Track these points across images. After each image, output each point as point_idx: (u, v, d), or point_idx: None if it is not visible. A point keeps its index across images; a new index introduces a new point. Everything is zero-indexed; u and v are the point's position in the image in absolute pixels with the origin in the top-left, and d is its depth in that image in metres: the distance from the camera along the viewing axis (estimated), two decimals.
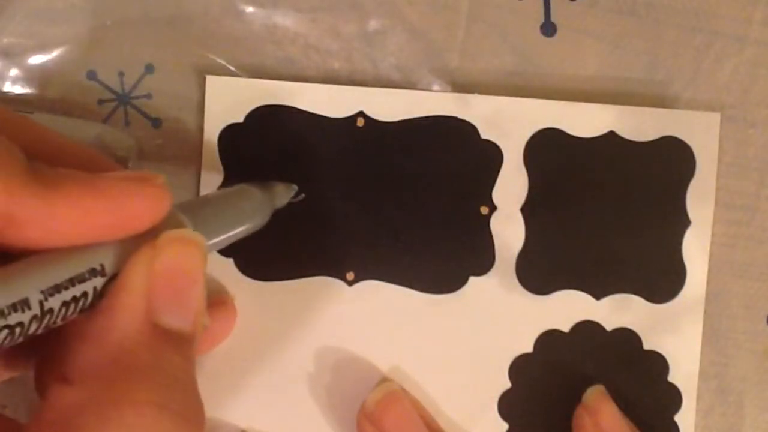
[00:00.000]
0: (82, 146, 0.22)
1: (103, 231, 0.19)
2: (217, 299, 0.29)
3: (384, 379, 0.30)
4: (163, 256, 0.19)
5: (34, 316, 0.17)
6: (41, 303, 0.17)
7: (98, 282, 0.19)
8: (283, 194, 0.28)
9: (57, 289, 0.17)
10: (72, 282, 0.18)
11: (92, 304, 0.19)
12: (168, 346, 0.19)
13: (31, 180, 0.17)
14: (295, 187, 0.29)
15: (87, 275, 0.18)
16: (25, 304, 0.17)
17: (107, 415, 0.17)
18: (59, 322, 0.18)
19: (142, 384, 0.18)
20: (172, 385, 0.18)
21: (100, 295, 0.19)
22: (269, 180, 0.28)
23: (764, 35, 0.31)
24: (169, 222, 0.20)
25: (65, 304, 0.18)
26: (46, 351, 0.21)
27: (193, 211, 0.22)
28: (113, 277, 0.19)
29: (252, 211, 0.26)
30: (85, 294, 0.18)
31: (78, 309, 0.18)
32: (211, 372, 0.30)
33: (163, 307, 0.19)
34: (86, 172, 0.19)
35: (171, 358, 0.19)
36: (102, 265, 0.19)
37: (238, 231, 0.25)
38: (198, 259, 0.20)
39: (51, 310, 0.17)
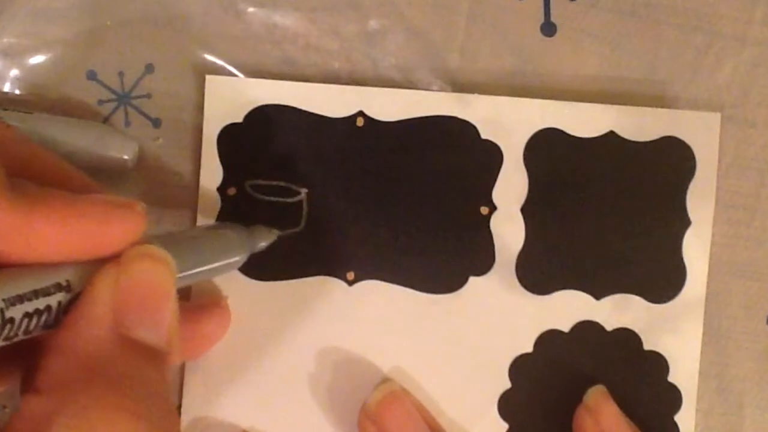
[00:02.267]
0: (70, 166, 0.22)
1: (76, 251, 0.19)
2: (210, 301, 0.29)
3: (385, 379, 0.30)
4: (129, 269, 0.20)
5: None
6: (2, 311, 0.17)
7: (63, 297, 0.19)
8: (264, 237, 0.28)
9: (20, 299, 0.18)
10: (36, 294, 0.18)
11: (57, 320, 0.19)
12: (141, 359, 0.19)
13: (9, 195, 0.18)
14: (277, 232, 0.29)
15: (52, 289, 0.18)
16: None
17: (75, 423, 0.17)
18: (21, 335, 0.18)
19: (114, 392, 0.18)
20: (147, 397, 0.18)
21: (65, 311, 0.19)
22: (252, 222, 0.28)
23: (764, 35, 0.31)
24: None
25: (27, 315, 0.18)
26: (27, 365, 0.21)
27: (163, 242, 0.22)
28: (79, 294, 0.19)
29: (226, 250, 0.26)
30: (48, 308, 0.18)
31: (42, 323, 0.18)
32: (211, 372, 0.30)
33: (132, 319, 0.19)
34: (71, 192, 0.19)
35: (144, 370, 0.19)
36: (68, 281, 0.19)
37: (209, 268, 0.25)
38: (165, 275, 0.20)
39: (12, 320, 0.17)
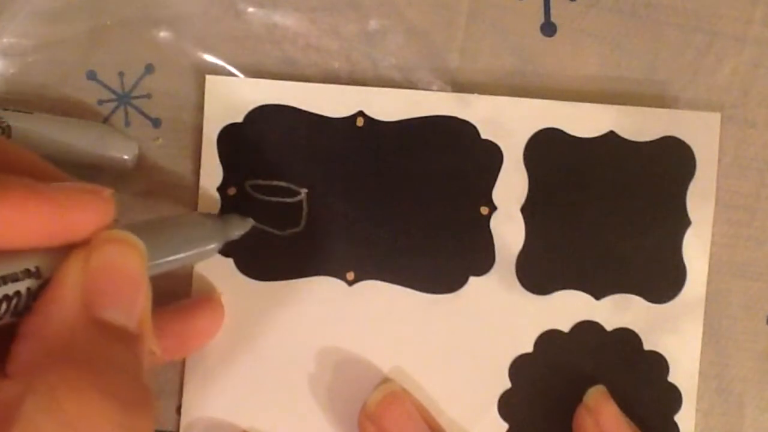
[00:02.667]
0: (49, 164, 0.22)
1: (44, 237, 0.19)
2: (204, 297, 0.29)
3: (385, 380, 0.30)
4: (98, 252, 0.20)
5: None
6: None
7: (32, 283, 0.19)
8: (238, 226, 0.28)
9: None
10: (4, 280, 0.18)
11: (27, 306, 0.19)
12: (111, 339, 0.19)
13: None
14: (252, 221, 0.29)
15: (20, 275, 0.18)
16: None
17: (43, 402, 0.17)
18: None
19: (83, 371, 0.18)
20: (116, 375, 0.19)
21: (35, 297, 0.19)
22: (226, 212, 0.29)
23: (764, 35, 0.31)
24: None
25: None
26: None
27: (134, 229, 0.22)
28: (49, 281, 0.19)
29: (198, 239, 0.26)
30: (18, 293, 0.18)
31: (11, 309, 0.18)
32: (211, 372, 0.30)
33: (102, 302, 0.19)
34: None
35: (115, 350, 0.19)
36: (37, 267, 0.19)
37: (182, 256, 0.25)
38: (135, 258, 0.20)
39: None
